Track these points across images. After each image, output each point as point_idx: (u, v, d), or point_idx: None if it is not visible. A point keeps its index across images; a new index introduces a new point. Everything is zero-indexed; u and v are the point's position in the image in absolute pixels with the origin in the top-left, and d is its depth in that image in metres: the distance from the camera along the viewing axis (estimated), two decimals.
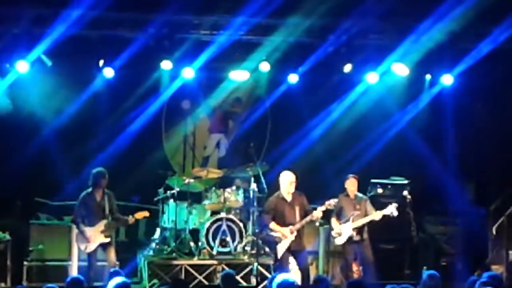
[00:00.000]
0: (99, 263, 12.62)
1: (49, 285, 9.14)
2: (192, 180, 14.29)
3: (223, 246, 13.70)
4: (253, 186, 13.90)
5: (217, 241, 13.68)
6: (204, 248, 13.75)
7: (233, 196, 14.16)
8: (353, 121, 15.35)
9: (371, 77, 14.76)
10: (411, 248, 14.02)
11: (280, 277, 8.34)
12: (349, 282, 8.71)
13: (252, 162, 14.12)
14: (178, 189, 14.12)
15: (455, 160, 15.18)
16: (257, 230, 13.63)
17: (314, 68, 14.49)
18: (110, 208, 12.54)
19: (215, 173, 14.71)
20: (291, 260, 12.47)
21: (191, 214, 14.19)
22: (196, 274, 13.43)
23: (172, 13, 13.14)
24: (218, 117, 16.28)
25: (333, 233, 13.08)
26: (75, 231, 13.11)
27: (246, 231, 13.88)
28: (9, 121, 14.34)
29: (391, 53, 14.24)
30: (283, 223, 12.33)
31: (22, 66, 13.60)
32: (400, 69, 14.62)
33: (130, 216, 12.64)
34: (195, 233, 14.11)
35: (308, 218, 12.28)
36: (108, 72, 14.20)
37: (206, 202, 14.28)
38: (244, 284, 13.24)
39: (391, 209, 12.69)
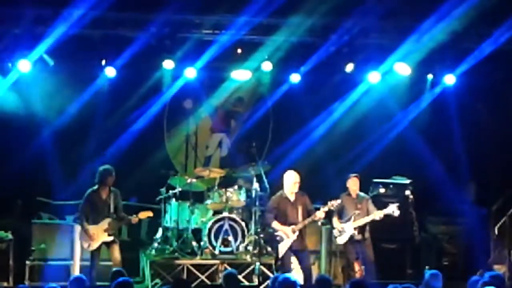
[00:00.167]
0: (102, 263, 12.61)
1: (51, 284, 9.14)
2: (194, 180, 14.30)
3: (225, 246, 13.70)
4: (255, 185, 13.89)
5: (219, 241, 13.68)
6: (206, 247, 13.75)
7: (235, 196, 14.17)
8: (355, 120, 15.36)
9: (373, 77, 14.76)
10: (413, 248, 14.01)
11: (283, 276, 8.36)
12: (351, 282, 8.68)
13: (254, 162, 14.14)
14: (180, 189, 14.12)
15: (457, 160, 15.18)
16: (259, 230, 13.63)
17: (316, 67, 14.50)
18: (115, 206, 12.52)
19: (217, 173, 14.71)
20: (293, 259, 12.46)
21: (193, 213, 14.19)
22: (198, 274, 13.43)
23: (174, 13, 13.15)
24: (220, 116, 16.28)
25: (334, 232, 13.09)
26: (77, 230, 13.14)
27: (248, 231, 13.88)
28: (11, 120, 14.35)
29: (393, 52, 14.23)
30: (285, 222, 12.33)
31: (24, 66, 13.61)
32: (402, 69, 14.62)
33: (134, 216, 12.63)
34: (197, 232, 14.11)
35: (310, 218, 12.29)
36: (110, 72, 14.21)
37: (208, 201, 14.29)
38: (246, 283, 13.23)
39: (392, 209, 12.69)
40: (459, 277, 12.66)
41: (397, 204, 12.73)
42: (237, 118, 16.35)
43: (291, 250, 12.33)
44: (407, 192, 13.52)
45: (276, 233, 12.38)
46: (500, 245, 14.26)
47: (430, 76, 15.24)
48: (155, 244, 14.13)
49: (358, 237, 12.84)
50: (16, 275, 13.25)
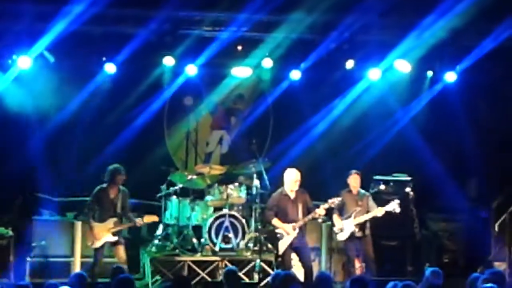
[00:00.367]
0: (105, 259, 12.61)
1: (51, 281, 9.15)
2: (194, 176, 14.29)
3: (226, 243, 13.70)
4: (256, 182, 13.88)
5: (220, 238, 13.69)
6: (207, 244, 13.75)
7: (236, 193, 14.16)
8: (356, 117, 15.36)
9: (373, 74, 14.76)
10: (414, 245, 14.02)
11: (283, 273, 8.37)
12: (352, 279, 8.69)
13: (254, 159, 14.14)
14: (181, 186, 14.12)
15: (458, 157, 15.18)
16: (259, 227, 13.64)
17: (316, 64, 14.53)
18: (123, 206, 12.48)
19: (217, 170, 14.71)
20: (294, 256, 12.47)
21: (194, 210, 14.19)
22: (199, 271, 13.43)
23: (174, 9, 13.15)
24: (220, 113, 16.28)
25: (335, 229, 13.09)
26: (78, 227, 13.15)
27: (248, 228, 13.88)
28: (11, 117, 14.34)
29: (393, 49, 14.23)
30: (285, 220, 12.33)
31: (24, 62, 13.60)
32: (402, 66, 14.62)
33: (139, 219, 12.59)
34: (197, 229, 14.10)
35: (310, 216, 12.29)
36: (110, 68, 14.21)
37: (208, 198, 14.29)
38: (247, 280, 13.22)
39: (394, 206, 12.70)
40: (460, 274, 12.68)
41: (398, 201, 12.74)
42: (237, 115, 16.34)
43: (292, 247, 12.33)
44: (408, 189, 13.55)
45: (276, 230, 12.39)
46: (500, 242, 14.28)
47: (429, 73, 15.24)
48: (156, 241, 14.14)
49: (358, 234, 12.85)
50: (16, 272, 13.26)
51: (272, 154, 15.26)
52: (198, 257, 13.71)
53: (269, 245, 13.56)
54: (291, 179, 12.38)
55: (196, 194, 14.48)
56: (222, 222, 13.76)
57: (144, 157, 15.11)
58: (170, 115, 15.92)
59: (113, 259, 12.56)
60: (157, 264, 13.56)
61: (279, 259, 12.56)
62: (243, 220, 13.83)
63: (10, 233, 13.35)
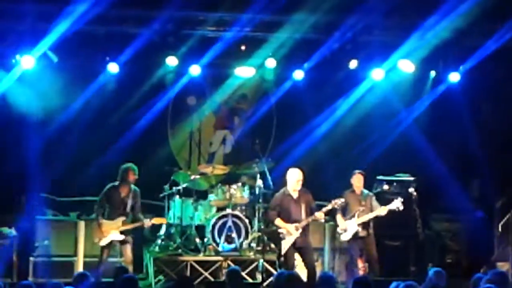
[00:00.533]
0: (110, 259, 12.62)
1: (54, 281, 9.15)
2: (197, 176, 14.30)
3: (229, 243, 13.71)
4: (259, 182, 13.86)
5: (223, 238, 13.69)
6: (210, 244, 13.76)
7: (239, 193, 14.17)
8: (359, 117, 15.34)
9: (377, 74, 14.74)
10: (417, 245, 14.00)
11: (286, 273, 8.36)
12: (355, 279, 8.68)
13: (257, 159, 14.14)
14: (184, 185, 14.12)
15: (461, 157, 15.17)
16: (262, 226, 13.64)
17: (319, 64, 14.52)
18: (133, 206, 12.50)
19: (221, 170, 14.72)
20: (297, 256, 12.46)
21: (197, 210, 14.20)
22: (202, 270, 13.45)
23: (178, 10, 13.16)
24: (224, 113, 16.28)
25: (338, 229, 13.08)
26: (81, 227, 13.15)
27: (251, 228, 13.89)
28: (15, 116, 14.34)
29: (396, 49, 14.23)
30: (288, 220, 12.32)
31: (28, 62, 13.61)
32: (406, 66, 14.62)
33: (148, 220, 12.60)
34: (200, 229, 14.12)
35: (313, 216, 12.28)
36: (114, 68, 14.22)
37: (212, 198, 14.29)
38: (250, 280, 13.24)
39: (397, 204, 12.68)
40: (463, 275, 12.70)
41: (402, 199, 12.73)
42: (240, 115, 16.34)
43: (295, 247, 12.31)
44: (411, 190, 13.56)
45: (279, 230, 12.38)
46: (503, 242, 14.27)
47: (433, 74, 15.22)
48: (159, 241, 14.14)
49: (362, 233, 12.84)
50: (19, 272, 13.26)
51: (275, 154, 15.26)
52: (201, 257, 13.73)
53: (272, 245, 13.57)
54: (294, 179, 12.37)
55: (199, 194, 14.48)
56: (225, 222, 13.77)
57: (147, 157, 15.10)
58: (174, 115, 15.92)
59: (115, 258, 12.56)
60: (160, 264, 13.58)
61: (282, 259, 12.55)
62: (246, 220, 13.84)
63: (14, 232, 13.35)
